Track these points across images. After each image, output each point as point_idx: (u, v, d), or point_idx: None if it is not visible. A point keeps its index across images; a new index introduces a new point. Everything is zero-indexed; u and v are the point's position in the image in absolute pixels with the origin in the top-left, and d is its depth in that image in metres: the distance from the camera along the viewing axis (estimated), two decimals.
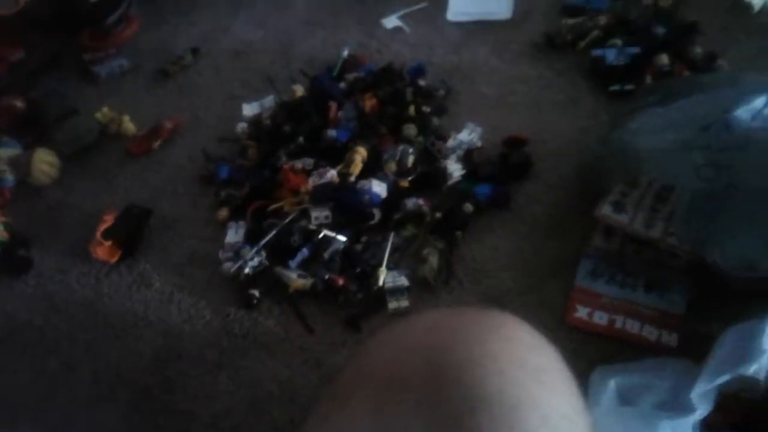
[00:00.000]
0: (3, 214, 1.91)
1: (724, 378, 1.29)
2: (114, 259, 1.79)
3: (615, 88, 2.06)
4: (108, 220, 1.81)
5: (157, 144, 2.08)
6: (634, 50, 2.11)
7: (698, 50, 2.08)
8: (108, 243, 1.77)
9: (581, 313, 1.61)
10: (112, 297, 1.76)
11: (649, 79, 2.03)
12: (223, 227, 1.85)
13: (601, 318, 1.60)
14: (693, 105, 1.45)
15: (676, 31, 2.16)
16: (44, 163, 1.98)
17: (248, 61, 2.36)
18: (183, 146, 2.10)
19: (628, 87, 2.04)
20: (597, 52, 2.14)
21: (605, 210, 1.66)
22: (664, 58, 2.05)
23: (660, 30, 2.16)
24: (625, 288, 1.64)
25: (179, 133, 2.13)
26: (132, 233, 1.82)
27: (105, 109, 2.15)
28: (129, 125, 2.11)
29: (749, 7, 2.21)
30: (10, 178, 1.97)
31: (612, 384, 1.36)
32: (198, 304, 1.72)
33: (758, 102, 1.30)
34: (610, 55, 2.12)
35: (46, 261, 1.87)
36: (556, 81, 2.14)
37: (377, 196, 1.76)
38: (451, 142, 1.94)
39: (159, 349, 1.65)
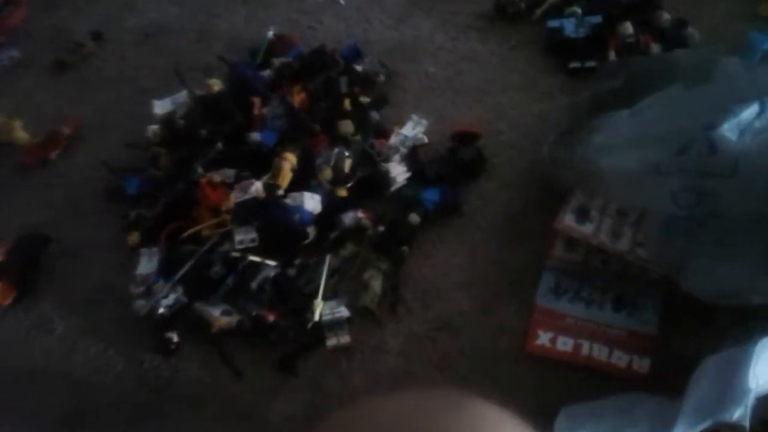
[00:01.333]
0: None
1: (704, 425, 1.13)
2: (8, 301, 1.54)
3: (575, 65, 1.85)
4: None
5: (55, 153, 1.80)
6: (595, 20, 1.88)
7: (666, 16, 1.88)
8: (1, 283, 1.51)
9: (543, 339, 1.44)
10: (8, 345, 1.53)
11: (612, 54, 1.82)
12: (134, 253, 1.61)
13: (565, 344, 1.43)
14: (666, 113, 1.24)
15: None
16: None
17: (160, 45, 2.07)
18: (87, 153, 1.84)
19: (590, 64, 1.83)
20: (553, 23, 1.91)
21: (567, 220, 1.48)
22: (628, 27, 1.84)
23: None
24: (592, 306, 1.47)
25: (82, 138, 1.86)
26: (28, 268, 1.56)
27: None
28: (21, 133, 1.83)
29: None
30: None
31: None
32: (107, 350, 1.50)
33: (748, 112, 1.09)
34: (569, 27, 1.89)
35: None
36: (510, 57, 1.92)
37: (308, 213, 1.53)
38: (393, 139, 1.71)
39: (66, 408, 1.42)
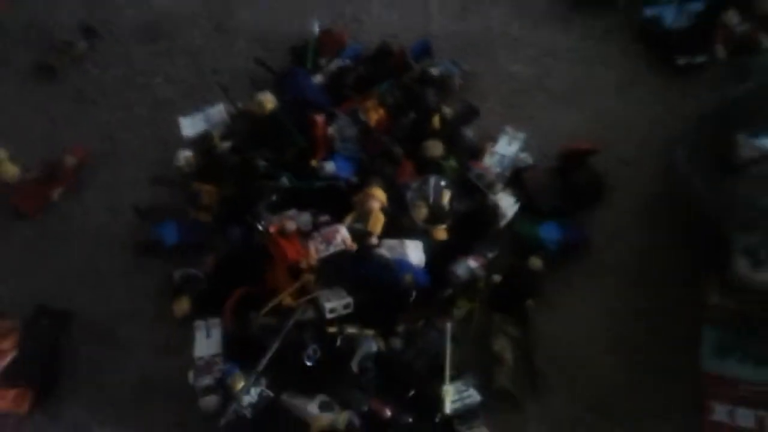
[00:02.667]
0: None
1: None
2: (25, 409, 1.16)
3: (683, 61, 1.63)
4: (6, 349, 1.15)
5: (57, 193, 1.42)
6: (696, 7, 1.68)
7: None
8: (12, 392, 1.13)
9: (721, 413, 1.23)
10: None
11: (720, 49, 1.61)
12: (184, 327, 1.26)
13: (746, 418, 1.20)
14: None
15: None
16: None
17: (170, 42, 1.71)
18: (99, 192, 1.46)
19: (700, 59, 1.63)
20: (649, 12, 1.71)
21: (742, 268, 1.21)
22: (733, 17, 1.64)
23: None
24: (763, 365, 1.22)
25: (89, 171, 1.47)
26: (46, 360, 1.18)
27: None
28: (9, 167, 1.43)
29: None
30: None
31: None
32: None
33: None
34: (668, 15, 1.70)
35: None
36: (601, 51, 1.69)
37: (422, 273, 1.22)
38: (488, 160, 1.40)
39: None
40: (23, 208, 1.42)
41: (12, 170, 1.43)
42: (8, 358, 1.17)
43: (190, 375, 1.19)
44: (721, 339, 1.27)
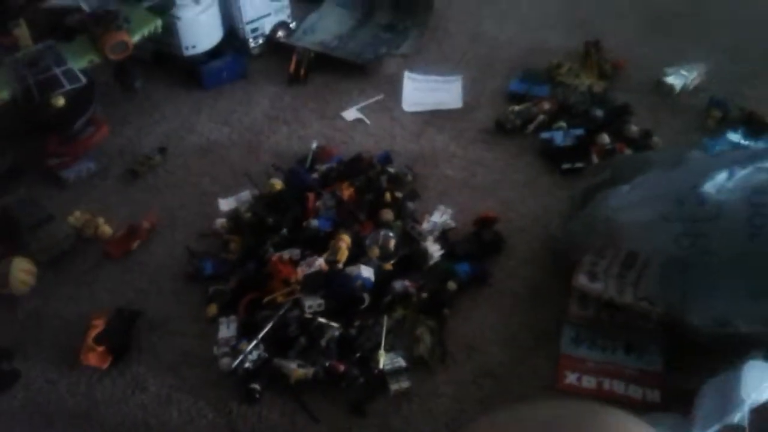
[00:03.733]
0: None
1: (713, 429, 1.41)
2: (105, 365, 1.76)
3: (567, 166, 2.26)
4: (98, 325, 1.78)
5: (135, 245, 2.07)
6: (578, 132, 2.34)
7: (634, 128, 2.34)
8: (100, 349, 1.74)
9: (571, 378, 1.71)
10: (108, 404, 1.72)
11: (595, 158, 2.24)
12: (212, 323, 1.86)
13: (589, 382, 1.70)
14: (659, 182, 1.63)
15: (611, 112, 2.42)
16: (22, 271, 1.94)
17: (216, 157, 2.42)
18: (162, 245, 2.11)
19: (579, 165, 2.25)
20: (545, 135, 2.35)
21: (581, 280, 1.80)
22: (605, 138, 2.29)
23: (598, 112, 2.41)
24: (606, 351, 1.76)
25: (157, 232, 2.14)
26: (123, 337, 1.80)
27: (77, 213, 2.13)
28: (105, 228, 2.09)
29: (671, 89, 2.49)
30: None
31: None
32: (198, 403, 1.71)
33: (721, 176, 1.49)
34: (558, 138, 2.33)
35: (31, 373, 1.80)
36: (512, 162, 2.32)
37: (369, 280, 1.83)
38: (426, 225, 2.05)
39: None
40: (112, 253, 2.04)
41: (107, 230, 2.09)
42: (99, 329, 1.79)
43: (215, 348, 1.76)
44: (578, 334, 1.77)
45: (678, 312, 1.66)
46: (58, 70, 2.23)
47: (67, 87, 2.24)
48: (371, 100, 2.59)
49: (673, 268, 1.58)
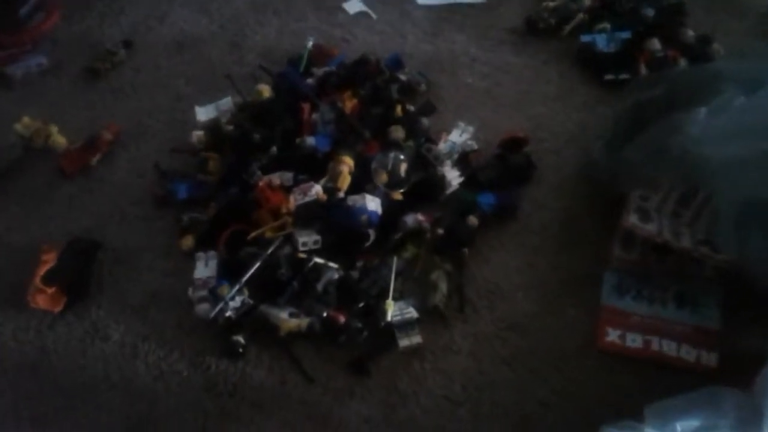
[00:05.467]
0: None
1: None
2: (59, 308, 1.48)
3: (610, 77, 1.94)
4: (49, 260, 1.49)
5: (95, 159, 1.76)
6: (625, 35, 1.99)
7: (690, 33, 1.98)
8: (51, 290, 1.45)
9: (612, 336, 1.47)
10: (61, 355, 1.46)
11: (643, 68, 1.91)
12: (188, 258, 1.58)
13: (634, 340, 1.47)
14: (755, 107, 1.30)
15: (663, 13, 2.05)
16: None
17: (193, 54, 2.06)
18: (127, 160, 1.79)
19: (624, 76, 1.92)
20: (586, 39, 2.01)
21: (632, 219, 1.51)
22: (656, 43, 1.95)
23: (648, 12, 2.04)
24: (654, 303, 1.51)
25: (121, 145, 1.82)
26: (79, 274, 1.50)
27: (26, 119, 1.81)
28: (59, 138, 1.77)
29: None
30: None
31: (678, 429, 1.21)
32: (169, 356, 1.44)
33: None
34: (601, 42, 2.00)
35: None
36: (544, 70, 1.99)
37: (375, 214, 1.52)
38: (442, 145, 1.73)
39: (128, 419, 1.36)
40: (67, 169, 1.75)
41: (60, 140, 1.78)
42: (49, 265, 1.49)
43: (190, 290, 1.49)
44: (621, 282, 1.53)
45: (748, 262, 1.37)
46: None
47: None
48: None
49: (756, 212, 1.28)
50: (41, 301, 1.47)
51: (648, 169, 1.46)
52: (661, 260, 1.52)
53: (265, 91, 1.77)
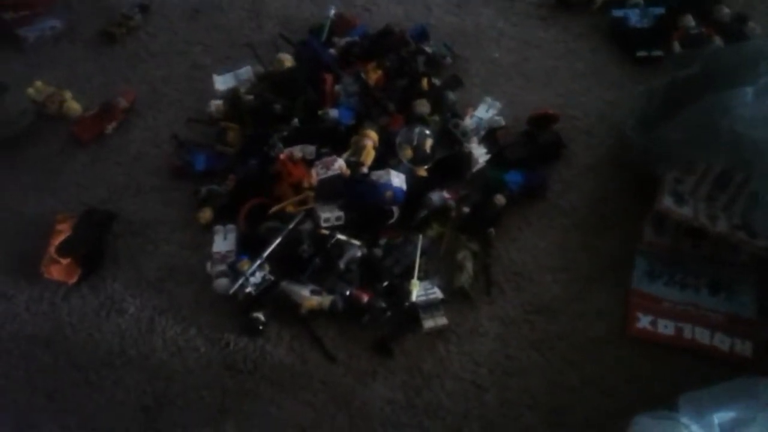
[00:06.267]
0: None
1: None
2: (73, 280, 1.43)
3: (642, 53, 1.87)
4: (63, 230, 1.44)
5: (111, 127, 1.70)
6: (658, 11, 1.92)
7: (726, 10, 1.90)
8: (65, 261, 1.40)
9: (644, 322, 1.42)
10: (76, 328, 1.41)
11: (677, 45, 1.84)
12: (205, 232, 1.53)
13: (666, 327, 1.42)
14: None
15: None
16: None
17: (210, 21, 1.99)
18: (143, 129, 1.74)
19: (656, 53, 1.86)
20: (617, 13, 1.94)
21: (666, 203, 1.45)
22: (690, 20, 1.88)
23: None
24: (687, 290, 1.47)
25: (136, 113, 1.76)
26: (94, 245, 1.45)
27: (38, 84, 1.74)
28: (73, 104, 1.72)
29: None
30: None
31: (715, 420, 1.16)
32: (187, 331, 1.40)
33: None
34: (633, 17, 1.93)
35: None
36: (574, 46, 1.91)
37: (400, 190, 1.47)
38: (469, 121, 1.66)
39: (145, 396, 1.32)
40: (82, 137, 1.69)
41: (75, 107, 1.72)
42: (64, 236, 1.44)
43: (208, 264, 1.44)
44: (652, 266, 1.48)
45: None
46: None
47: None
48: None
49: None
50: (55, 272, 1.42)
51: (690, 148, 1.40)
52: (695, 245, 1.47)
53: (287, 60, 1.70)
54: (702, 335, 1.39)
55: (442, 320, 1.39)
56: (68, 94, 1.73)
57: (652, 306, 1.43)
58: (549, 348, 1.38)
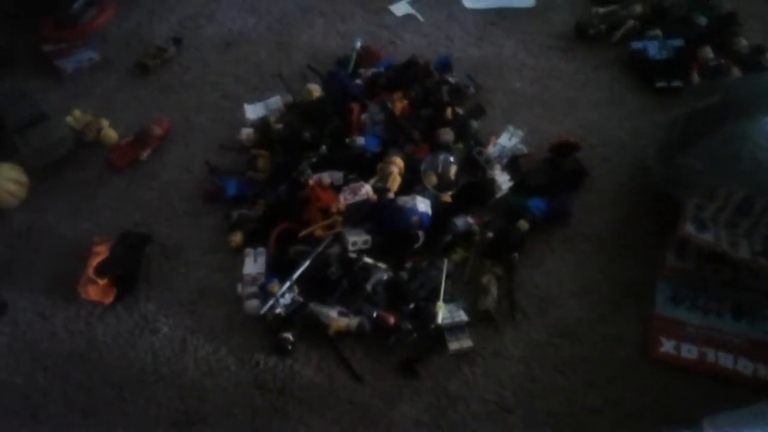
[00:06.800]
0: None
1: None
2: (109, 300, 1.48)
3: (662, 84, 1.90)
4: (101, 252, 1.49)
5: (145, 153, 1.77)
6: (677, 43, 1.96)
7: (743, 42, 1.94)
8: (102, 281, 1.45)
9: (667, 346, 1.43)
10: (111, 346, 1.46)
11: (696, 76, 1.87)
12: (236, 254, 1.57)
13: (690, 351, 1.43)
14: None
15: (716, 21, 2.01)
16: (9, 180, 1.63)
17: (240, 53, 2.06)
18: (176, 155, 1.79)
19: (676, 83, 1.89)
20: (637, 45, 1.98)
21: (689, 229, 1.47)
22: (708, 52, 1.92)
23: (701, 20, 2.00)
24: (710, 314, 1.48)
25: (170, 140, 1.82)
26: (129, 266, 1.50)
27: (77, 112, 1.81)
28: (110, 132, 1.78)
29: None
30: None
31: None
32: (218, 351, 1.44)
33: None
34: (652, 48, 1.97)
35: (20, 303, 1.53)
36: (593, 76, 1.96)
37: (426, 215, 1.51)
38: (492, 149, 1.70)
39: (177, 413, 1.35)
40: (118, 163, 1.75)
41: (111, 134, 1.79)
42: (101, 257, 1.49)
43: (239, 286, 1.48)
44: (675, 291, 1.49)
45: None
46: None
47: None
48: None
49: None
50: (92, 292, 1.47)
51: (711, 176, 1.43)
52: (717, 270, 1.49)
53: (315, 90, 1.77)
54: (725, 360, 1.40)
55: (467, 342, 1.42)
56: (105, 123, 1.80)
57: (675, 330, 1.44)
58: (572, 370, 1.39)
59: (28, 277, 1.57)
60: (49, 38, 1.98)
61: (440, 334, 1.42)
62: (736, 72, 1.87)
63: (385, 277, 1.48)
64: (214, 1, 2.20)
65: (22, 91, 1.82)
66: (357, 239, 1.50)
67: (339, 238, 1.53)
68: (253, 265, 1.53)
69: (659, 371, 1.39)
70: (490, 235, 1.57)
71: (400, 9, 2.15)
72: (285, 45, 2.07)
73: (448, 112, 1.73)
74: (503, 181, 1.65)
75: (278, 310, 1.42)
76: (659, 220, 1.57)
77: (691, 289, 1.49)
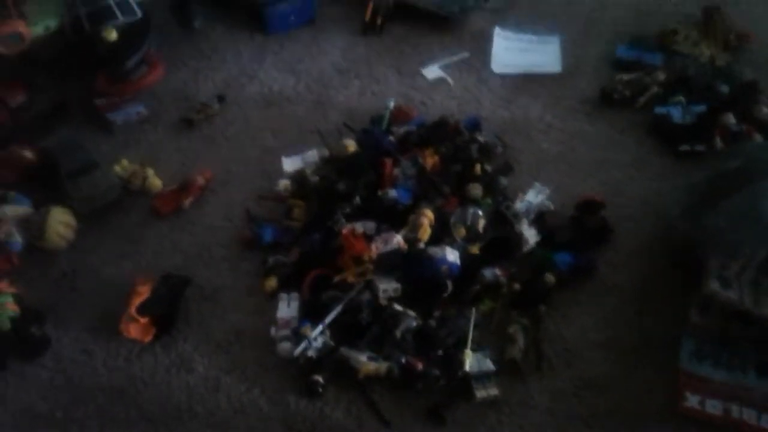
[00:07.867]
0: (11, 283, 1.63)
1: None
2: (148, 338, 1.54)
3: (685, 148, 1.95)
4: (142, 292, 1.56)
5: (188, 201, 1.85)
6: (699, 109, 2.01)
7: (765, 110, 2.00)
8: (143, 320, 1.51)
9: (692, 401, 1.45)
10: (148, 383, 1.51)
11: (719, 141, 1.92)
12: (270, 299, 1.63)
13: (714, 407, 1.45)
14: None
15: (738, 90, 2.07)
16: (60, 224, 1.72)
17: (280, 110, 2.16)
18: (217, 204, 1.88)
19: (699, 148, 1.94)
20: (661, 110, 2.04)
21: (713, 286, 1.50)
22: (731, 118, 1.97)
23: (723, 88, 2.07)
24: (734, 371, 1.50)
25: (211, 190, 1.91)
26: (169, 307, 1.57)
27: (124, 162, 1.92)
28: (155, 180, 1.88)
29: None
30: (18, 241, 1.70)
31: None
32: (251, 391, 1.48)
33: None
34: (676, 113, 2.02)
35: (64, 340, 1.60)
36: (618, 138, 2.02)
37: (455, 265, 1.56)
38: (519, 204, 1.76)
39: None
40: (161, 210, 1.84)
41: (156, 183, 1.89)
42: (143, 297, 1.56)
43: (272, 329, 1.54)
44: (699, 347, 1.51)
45: None
46: (111, 1, 2.00)
47: (121, 19, 2.01)
48: (455, 58, 2.29)
49: None
50: (133, 331, 1.53)
51: (734, 235, 1.47)
52: (743, 328, 1.51)
53: (351, 146, 1.86)
54: (749, 416, 1.41)
55: (493, 391, 1.44)
56: (150, 172, 1.90)
57: (700, 386, 1.46)
58: (598, 423, 1.41)
59: (73, 315, 1.64)
60: (102, 93, 2.11)
61: (467, 382, 1.45)
62: (758, 138, 1.92)
63: (414, 324, 1.53)
64: (256, 62, 2.32)
65: (75, 141, 1.93)
66: (387, 287, 1.56)
67: (370, 286, 1.58)
68: (287, 309, 1.59)
69: (684, 424, 1.40)
70: (517, 286, 1.62)
71: (432, 72, 2.25)
72: (322, 104, 2.18)
73: (477, 168, 1.80)
74: (530, 235, 1.70)
75: (310, 353, 1.47)
76: (683, 276, 1.60)
77: (714, 345, 1.51)
